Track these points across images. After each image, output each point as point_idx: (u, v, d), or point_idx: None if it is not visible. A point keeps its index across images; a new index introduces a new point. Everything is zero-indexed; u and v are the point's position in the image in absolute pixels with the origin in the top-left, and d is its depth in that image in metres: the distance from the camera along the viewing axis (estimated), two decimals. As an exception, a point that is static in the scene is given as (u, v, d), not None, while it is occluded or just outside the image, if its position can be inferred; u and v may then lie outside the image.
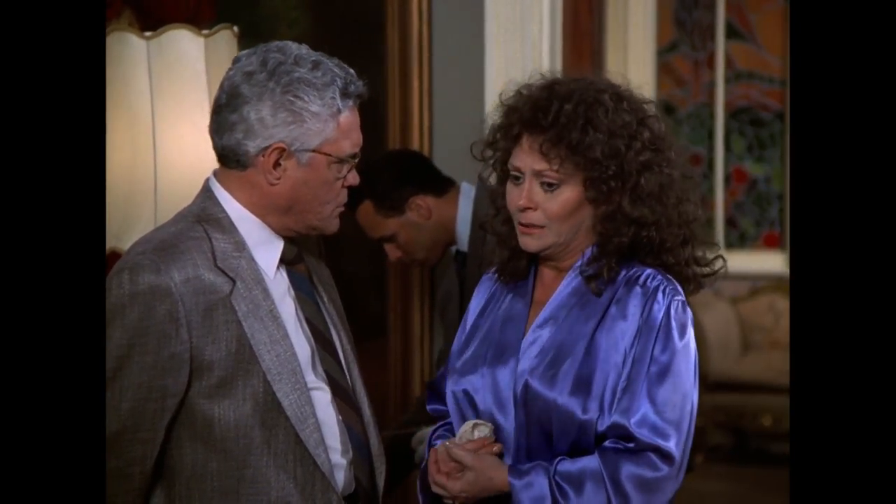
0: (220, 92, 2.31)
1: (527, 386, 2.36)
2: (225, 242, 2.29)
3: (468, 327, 2.52)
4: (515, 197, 2.39)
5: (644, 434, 2.29)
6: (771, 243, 8.12)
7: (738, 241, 8.11)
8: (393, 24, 4.15)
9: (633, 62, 7.51)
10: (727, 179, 8.13)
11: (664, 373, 2.31)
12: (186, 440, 2.26)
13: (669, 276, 2.39)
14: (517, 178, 2.39)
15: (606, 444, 2.31)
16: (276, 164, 2.29)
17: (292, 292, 2.35)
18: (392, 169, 3.59)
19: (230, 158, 2.31)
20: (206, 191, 2.35)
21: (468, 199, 3.54)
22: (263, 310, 2.27)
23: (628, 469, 2.28)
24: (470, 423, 2.39)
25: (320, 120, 2.28)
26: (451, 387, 2.46)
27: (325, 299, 2.43)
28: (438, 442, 2.48)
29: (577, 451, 2.33)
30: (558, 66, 4.13)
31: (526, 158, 2.37)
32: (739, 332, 7.71)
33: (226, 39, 3.20)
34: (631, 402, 2.31)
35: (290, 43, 2.32)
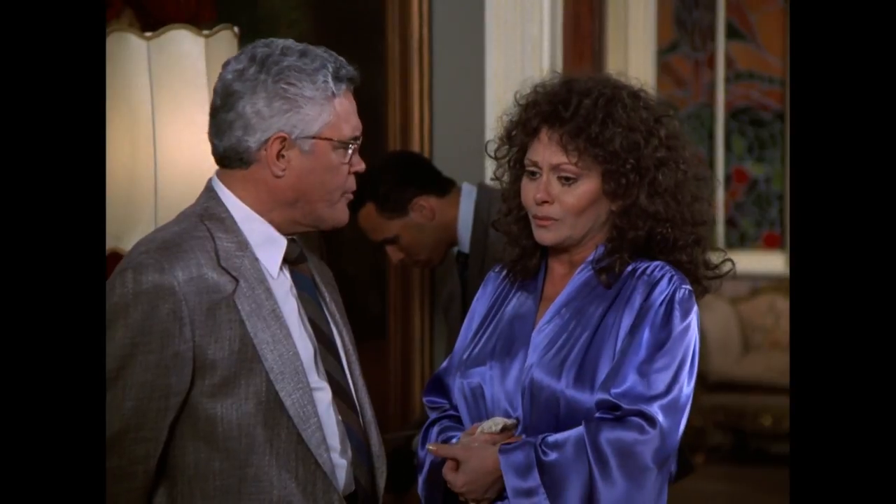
0: (215, 95, 2.31)
1: (533, 378, 2.37)
2: (228, 242, 2.29)
3: (475, 323, 2.53)
4: (532, 191, 2.41)
5: (627, 402, 2.30)
6: (771, 244, 8.12)
7: (739, 241, 8.11)
8: (393, 24, 4.15)
9: (634, 62, 7.50)
10: (727, 180, 8.13)
11: (658, 348, 2.33)
12: (189, 439, 2.26)
13: (677, 270, 2.40)
14: (533, 173, 2.41)
15: (595, 416, 2.32)
16: (280, 156, 2.29)
17: (295, 292, 2.35)
18: (394, 170, 3.58)
19: (232, 158, 2.31)
20: (209, 190, 2.35)
21: (469, 200, 3.54)
22: (266, 309, 2.27)
23: (609, 433, 2.29)
24: (502, 419, 2.40)
25: (316, 104, 2.28)
26: (460, 379, 2.48)
27: (328, 299, 2.44)
28: (433, 435, 2.49)
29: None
30: (559, 66, 4.13)
31: (544, 152, 2.39)
32: (740, 332, 7.71)
33: (226, 40, 3.21)
34: (616, 374, 2.32)
35: (275, 39, 2.32)
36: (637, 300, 2.36)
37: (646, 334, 2.33)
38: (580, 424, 2.33)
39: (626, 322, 2.36)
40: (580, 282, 2.42)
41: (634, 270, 2.39)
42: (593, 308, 2.39)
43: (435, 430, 2.53)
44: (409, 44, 4.14)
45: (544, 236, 2.41)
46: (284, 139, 2.28)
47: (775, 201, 8.12)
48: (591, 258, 2.43)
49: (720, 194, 8.01)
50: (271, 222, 2.33)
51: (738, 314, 7.70)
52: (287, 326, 2.29)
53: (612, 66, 6.57)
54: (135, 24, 3.63)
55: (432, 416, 2.56)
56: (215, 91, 2.31)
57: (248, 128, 2.28)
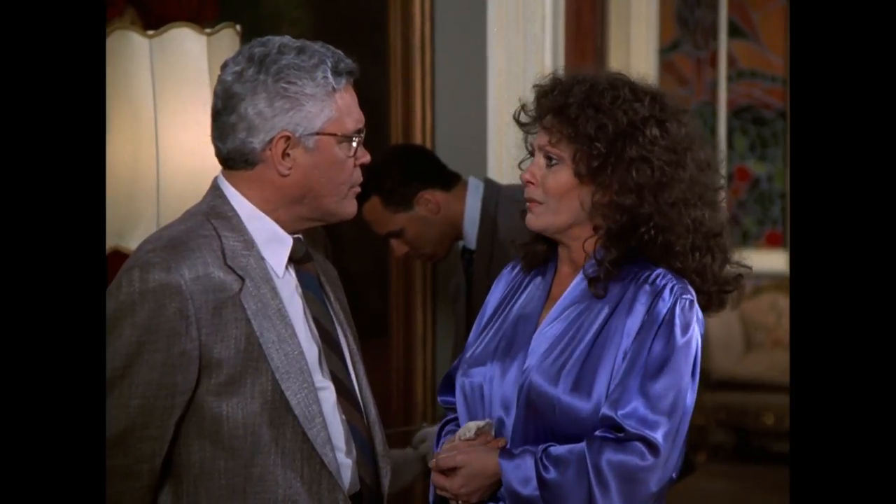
0: (215, 98, 2.31)
1: (531, 382, 2.37)
2: (234, 241, 2.29)
3: (484, 320, 2.53)
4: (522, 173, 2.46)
5: (632, 425, 2.29)
6: (773, 242, 8.12)
7: (741, 239, 8.11)
8: (395, 22, 4.15)
9: (636, 61, 7.50)
10: (730, 178, 8.13)
11: (661, 367, 2.32)
12: (194, 438, 2.26)
13: (681, 277, 2.38)
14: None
15: (595, 433, 2.32)
16: (285, 155, 2.29)
17: (300, 291, 2.35)
18: (399, 164, 3.56)
19: (237, 160, 2.31)
20: (215, 189, 2.35)
21: (476, 195, 3.52)
22: (272, 308, 2.27)
23: (611, 456, 2.29)
24: (475, 423, 2.41)
25: (317, 101, 2.28)
26: (461, 377, 2.48)
27: (332, 299, 2.44)
28: (446, 438, 2.49)
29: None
30: (560, 64, 4.13)
31: (539, 134, 2.43)
32: (742, 330, 7.71)
33: (228, 38, 3.21)
34: (622, 394, 2.31)
35: (272, 37, 2.32)
36: (639, 310, 2.35)
37: (649, 351, 2.32)
38: (574, 430, 2.33)
39: (629, 332, 2.35)
40: (581, 286, 2.42)
41: (637, 277, 2.38)
42: (595, 314, 2.38)
43: (445, 433, 2.54)
44: (411, 42, 4.14)
45: (529, 220, 2.44)
46: (288, 138, 2.28)
47: (777, 200, 8.12)
48: (586, 265, 2.42)
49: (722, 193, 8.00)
50: (277, 220, 2.33)
51: (741, 312, 7.70)
52: (292, 326, 2.29)
53: (614, 65, 6.57)
54: (137, 22, 3.63)
55: (448, 416, 2.58)
56: (215, 94, 2.31)
57: (252, 129, 2.28)
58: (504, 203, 3.46)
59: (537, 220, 2.42)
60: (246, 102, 2.27)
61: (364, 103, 2.37)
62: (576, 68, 3.48)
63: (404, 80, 4.15)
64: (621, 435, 2.30)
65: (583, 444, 2.31)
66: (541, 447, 2.33)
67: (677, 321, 2.34)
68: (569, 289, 2.43)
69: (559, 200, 2.40)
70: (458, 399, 2.48)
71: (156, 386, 2.22)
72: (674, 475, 2.40)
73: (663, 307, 2.34)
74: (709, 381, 7.09)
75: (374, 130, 2.50)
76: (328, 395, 2.33)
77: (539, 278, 2.50)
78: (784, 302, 7.52)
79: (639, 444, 2.30)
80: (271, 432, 2.26)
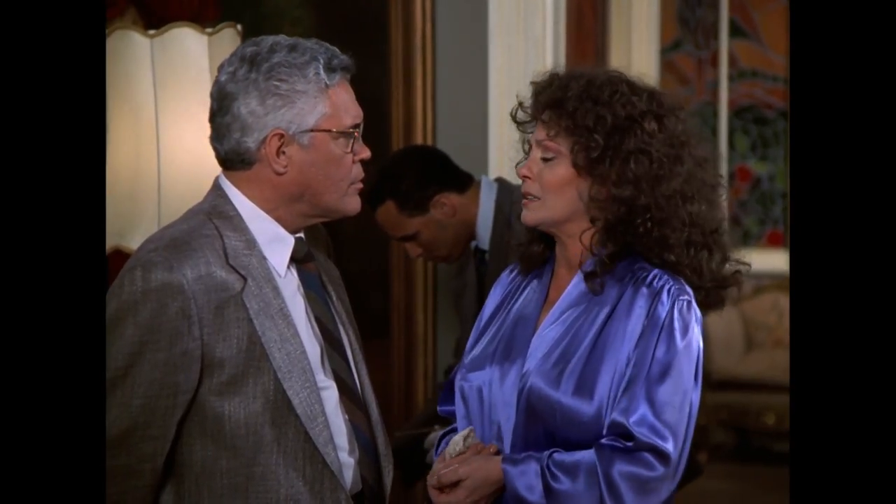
0: (212, 100, 2.32)
1: (531, 385, 2.36)
2: (236, 240, 2.29)
3: (483, 323, 2.53)
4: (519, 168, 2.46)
5: (643, 433, 2.28)
6: (774, 242, 8.13)
7: (742, 239, 8.11)
8: (396, 22, 4.15)
9: (637, 60, 7.50)
10: (731, 178, 8.13)
11: (665, 373, 2.31)
12: (197, 437, 2.26)
13: (676, 277, 2.38)
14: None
15: (603, 441, 2.31)
16: (280, 152, 2.29)
17: (302, 291, 2.35)
18: (414, 167, 3.54)
19: (234, 160, 2.31)
20: (217, 188, 2.35)
21: (489, 196, 3.51)
22: (274, 308, 2.27)
23: (623, 467, 2.28)
24: (459, 436, 2.40)
25: (310, 98, 2.28)
26: (460, 381, 2.47)
27: (334, 298, 2.44)
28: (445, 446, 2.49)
29: (577, 451, 2.33)
30: (562, 64, 4.13)
31: (536, 131, 2.43)
32: (743, 330, 7.71)
33: (229, 37, 3.21)
34: (630, 401, 2.30)
35: (266, 36, 2.33)
36: (638, 313, 2.34)
37: (652, 357, 2.31)
38: (575, 434, 2.32)
39: (630, 335, 2.33)
40: (579, 288, 2.41)
41: (635, 278, 2.37)
42: (593, 315, 2.37)
43: (443, 442, 2.54)
44: (412, 41, 4.14)
45: (526, 215, 2.43)
46: (282, 136, 2.28)
47: (779, 199, 8.12)
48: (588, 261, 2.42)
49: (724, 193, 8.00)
50: (278, 220, 2.33)
51: (742, 312, 7.70)
52: (294, 325, 2.29)
53: (615, 64, 6.57)
54: (138, 21, 3.64)
55: (448, 428, 2.57)
56: (211, 95, 2.32)
57: (246, 128, 2.28)
58: (518, 203, 3.46)
59: (534, 214, 2.42)
60: (239, 102, 2.27)
61: (365, 103, 2.37)
62: (574, 66, 3.47)
63: (405, 80, 4.15)
64: (631, 444, 2.28)
65: (592, 453, 2.30)
66: (546, 453, 2.32)
67: (676, 325, 2.33)
68: (567, 290, 2.42)
69: (556, 194, 2.39)
70: (458, 403, 2.47)
71: (158, 385, 2.22)
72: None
73: (662, 310, 2.33)
74: (710, 381, 7.09)
75: (375, 130, 2.50)
76: (330, 394, 2.33)
77: (536, 281, 2.49)
78: (785, 302, 7.52)
79: (649, 454, 2.29)
80: (273, 432, 2.26)
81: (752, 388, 7.33)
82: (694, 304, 2.36)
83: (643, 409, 2.29)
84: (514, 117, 2.50)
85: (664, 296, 2.34)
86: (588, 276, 2.39)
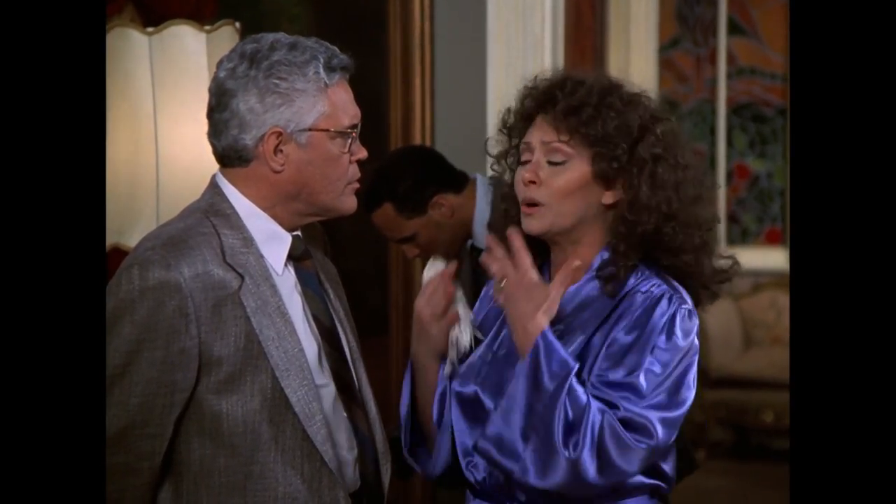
0: (210, 96, 2.31)
1: None
2: (233, 238, 2.29)
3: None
4: (522, 173, 2.38)
5: (633, 411, 2.26)
6: (773, 239, 8.13)
7: (741, 237, 8.12)
8: (395, 20, 4.15)
9: (635, 58, 7.50)
10: (729, 176, 8.13)
11: (663, 368, 2.29)
12: (194, 435, 2.26)
13: (675, 285, 2.37)
14: (526, 162, 2.39)
15: (597, 405, 2.26)
16: (277, 150, 2.28)
17: (300, 289, 2.35)
18: (411, 169, 3.53)
19: (232, 157, 2.31)
20: (214, 186, 2.35)
21: (485, 193, 3.51)
22: (271, 306, 2.27)
23: (613, 420, 2.24)
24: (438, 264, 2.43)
25: (309, 97, 2.28)
26: (458, 387, 2.44)
27: (332, 296, 2.43)
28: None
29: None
30: (560, 61, 4.14)
31: (537, 132, 2.38)
32: (741, 328, 7.71)
33: (228, 35, 3.21)
34: (624, 388, 2.28)
35: (266, 34, 2.32)
36: (632, 318, 2.32)
37: (647, 354, 2.29)
38: None
39: (621, 335, 2.31)
40: (579, 298, 2.39)
41: (632, 287, 2.35)
42: (594, 318, 2.35)
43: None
44: (410, 39, 4.14)
45: (530, 224, 2.37)
46: (280, 134, 2.28)
47: (777, 197, 8.12)
48: (594, 266, 2.39)
49: (722, 191, 8.01)
50: (275, 217, 2.33)
51: (740, 310, 7.70)
52: (292, 323, 2.29)
53: (614, 62, 6.57)
54: (136, 19, 3.63)
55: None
56: (210, 91, 2.31)
57: (244, 125, 2.28)
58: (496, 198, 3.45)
59: (539, 222, 2.37)
60: (237, 99, 2.27)
61: (363, 101, 2.37)
62: (570, 67, 3.47)
63: (404, 78, 4.15)
64: (621, 412, 2.27)
65: (596, 409, 2.25)
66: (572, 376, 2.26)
67: (678, 330, 2.30)
68: (570, 294, 2.38)
69: (565, 200, 2.36)
70: (454, 410, 2.44)
71: (155, 384, 2.22)
72: (669, 466, 2.39)
73: (661, 316, 2.31)
74: (708, 379, 7.09)
75: (374, 128, 2.49)
76: (328, 392, 2.33)
77: None
78: (783, 299, 7.52)
79: (637, 427, 2.26)
80: (271, 430, 2.26)
81: (751, 386, 7.33)
82: (695, 314, 2.35)
83: (639, 393, 2.27)
84: (504, 123, 2.47)
85: (664, 302, 2.32)
86: (608, 279, 2.36)
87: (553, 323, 2.34)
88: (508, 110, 2.46)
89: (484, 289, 2.58)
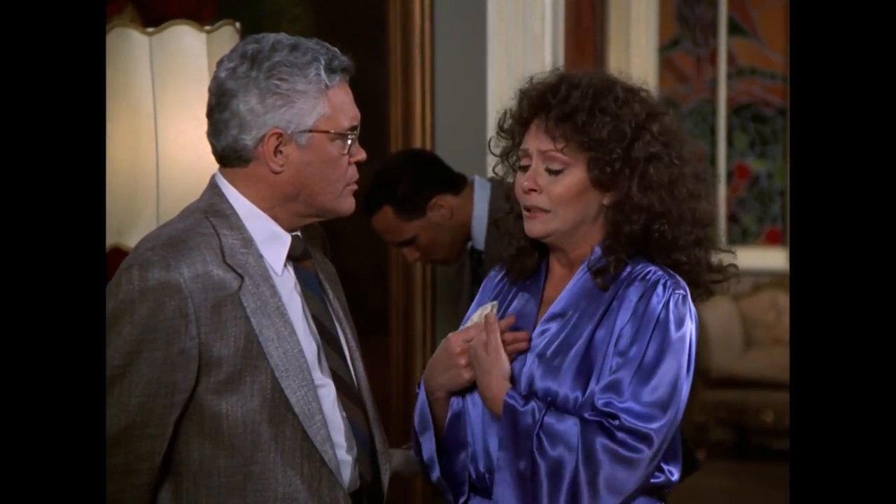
0: (210, 95, 2.31)
1: (531, 378, 2.36)
2: (233, 239, 2.29)
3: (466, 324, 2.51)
4: (521, 181, 2.40)
5: (628, 417, 2.28)
6: (773, 240, 8.12)
7: (741, 237, 8.11)
8: (395, 20, 4.15)
9: (636, 58, 7.50)
10: (729, 176, 8.13)
11: (658, 362, 2.31)
12: (194, 436, 2.26)
13: (672, 272, 2.39)
14: (525, 167, 2.40)
15: (589, 415, 2.30)
16: (277, 151, 2.28)
17: (299, 289, 2.35)
18: (410, 171, 3.53)
19: (231, 157, 2.31)
20: (214, 187, 2.35)
21: (483, 195, 3.51)
22: (271, 306, 2.27)
23: (605, 442, 2.27)
24: (486, 307, 2.44)
25: (309, 98, 2.28)
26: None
27: (331, 296, 2.44)
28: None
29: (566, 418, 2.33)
30: (560, 62, 4.13)
31: (533, 140, 2.40)
32: (741, 328, 7.71)
33: (228, 35, 3.21)
34: (620, 385, 2.30)
35: (267, 34, 2.32)
36: (626, 307, 2.35)
37: (643, 347, 2.31)
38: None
39: (620, 327, 2.34)
40: (579, 286, 2.41)
41: (629, 276, 2.38)
42: (591, 312, 2.37)
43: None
44: (410, 39, 4.14)
45: (532, 228, 2.40)
46: (280, 135, 2.28)
47: (777, 197, 8.12)
48: (588, 260, 2.42)
49: (722, 191, 8.01)
50: (275, 218, 2.33)
51: (740, 310, 7.70)
52: (292, 323, 2.29)
53: (614, 62, 6.57)
54: (136, 19, 3.63)
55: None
56: (210, 91, 2.31)
57: (244, 126, 2.28)
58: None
59: (543, 226, 2.39)
60: (238, 99, 2.27)
61: (363, 101, 2.37)
62: (571, 68, 3.46)
63: (404, 78, 4.15)
64: (616, 423, 2.29)
65: (576, 430, 2.29)
66: (541, 415, 2.32)
67: (671, 317, 2.33)
68: (566, 289, 2.42)
69: (567, 206, 2.38)
70: (453, 407, 2.45)
71: (155, 384, 2.22)
72: (675, 474, 2.39)
73: (657, 303, 2.34)
74: (708, 379, 7.09)
75: (374, 128, 2.50)
76: (328, 392, 2.33)
77: (530, 282, 2.48)
78: (784, 299, 7.52)
79: (632, 437, 2.28)
80: (271, 430, 2.26)
81: (751, 386, 7.32)
82: (689, 299, 2.37)
83: (632, 396, 2.29)
84: (501, 127, 2.48)
85: (659, 289, 2.35)
86: (598, 273, 2.38)
87: (554, 318, 2.39)
88: (506, 113, 2.47)
89: (484, 280, 2.59)
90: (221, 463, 2.26)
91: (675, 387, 2.32)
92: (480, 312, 2.45)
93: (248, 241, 2.30)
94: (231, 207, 2.31)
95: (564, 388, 2.34)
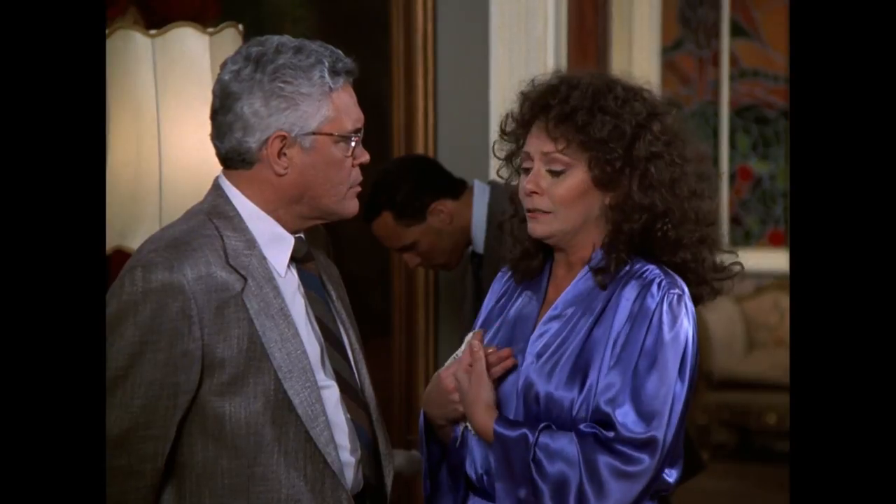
0: (214, 98, 2.31)
1: (527, 379, 2.37)
2: (236, 240, 2.29)
3: (478, 325, 2.53)
4: (524, 183, 2.41)
5: (626, 427, 2.28)
6: (776, 241, 8.12)
7: (743, 239, 8.11)
8: (398, 21, 4.15)
9: (638, 60, 7.50)
10: (732, 178, 8.13)
11: (651, 365, 2.31)
12: (197, 437, 2.26)
13: (669, 272, 2.39)
14: (528, 169, 2.41)
15: (584, 427, 2.30)
16: (281, 154, 2.29)
17: (302, 290, 2.35)
18: (409, 177, 3.54)
19: (235, 160, 2.31)
20: (217, 188, 2.35)
21: (482, 198, 3.52)
22: (274, 308, 2.27)
23: (606, 458, 2.28)
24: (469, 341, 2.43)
25: (313, 101, 2.28)
26: None
27: (334, 298, 2.44)
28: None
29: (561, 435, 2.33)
30: (563, 64, 4.13)
31: (535, 142, 2.40)
32: (744, 330, 7.71)
33: (231, 37, 3.21)
34: (615, 392, 2.30)
35: (272, 36, 2.32)
36: (627, 307, 2.35)
37: (640, 348, 2.31)
38: (566, 425, 2.32)
39: (615, 327, 2.34)
40: (580, 287, 2.41)
41: (627, 274, 2.38)
42: (590, 311, 2.38)
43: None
44: (413, 41, 4.15)
45: (536, 229, 2.41)
46: (284, 137, 2.28)
47: (780, 199, 8.12)
48: (591, 261, 2.41)
49: (724, 192, 8.01)
50: (278, 220, 2.33)
51: (743, 312, 7.69)
52: (295, 325, 2.29)
53: (617, 64, 6.57)
54: (139, 21, 3.64)
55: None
56: (214, 93, 2.32)
57: (248, 128, 2.28)
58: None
59: (546, 227, 2.40)
60: (242, 101, 2.27)
61: (366, 103, 2.37)
62: (569, 70, 3.46)
63: (406, 80, 4.15)
64: (612, 435, 2.28)
65: (574, 444, 2.30)
66: (535, 435, 2.32)
67: (665, 317, 2.33)
68: (567, 290, 2.42)
69: (569, 207, 2.38)
70: (456, 432, 2.46)
71: (158, 386, 2.22)
72: (674, 475, 2.39)
73: (651, 302, 2.34)
74: (711, 381, 7.08)
75: (377, 130, 2.50)
76: (331, 393, 2.33)
77: (534, 283, 2.49)
78: (786, 301, 7.51)
79: (630, 448, 2.28)
80: (274, 432, 2.26)
81: (754, 388, 7.32)
82: (686, 298, 2.36)
83: (627, 403, 2.29)
84: (503, 130, 2.48)
85: (654, 288, 2.35)
86: (598, 271, 2.39)
87: (554, 318, 2.39)
88: (508, 116, 2.48)
89: (494, 280, 2.60)
90: (224, 465, 2.26)
91: (668, 389, 2.32)
92: (466, 341, 2.45)
93: (251, 243, 2.30)
94: (234, 209, 2.32)
95: (561, 388, 2.34)
